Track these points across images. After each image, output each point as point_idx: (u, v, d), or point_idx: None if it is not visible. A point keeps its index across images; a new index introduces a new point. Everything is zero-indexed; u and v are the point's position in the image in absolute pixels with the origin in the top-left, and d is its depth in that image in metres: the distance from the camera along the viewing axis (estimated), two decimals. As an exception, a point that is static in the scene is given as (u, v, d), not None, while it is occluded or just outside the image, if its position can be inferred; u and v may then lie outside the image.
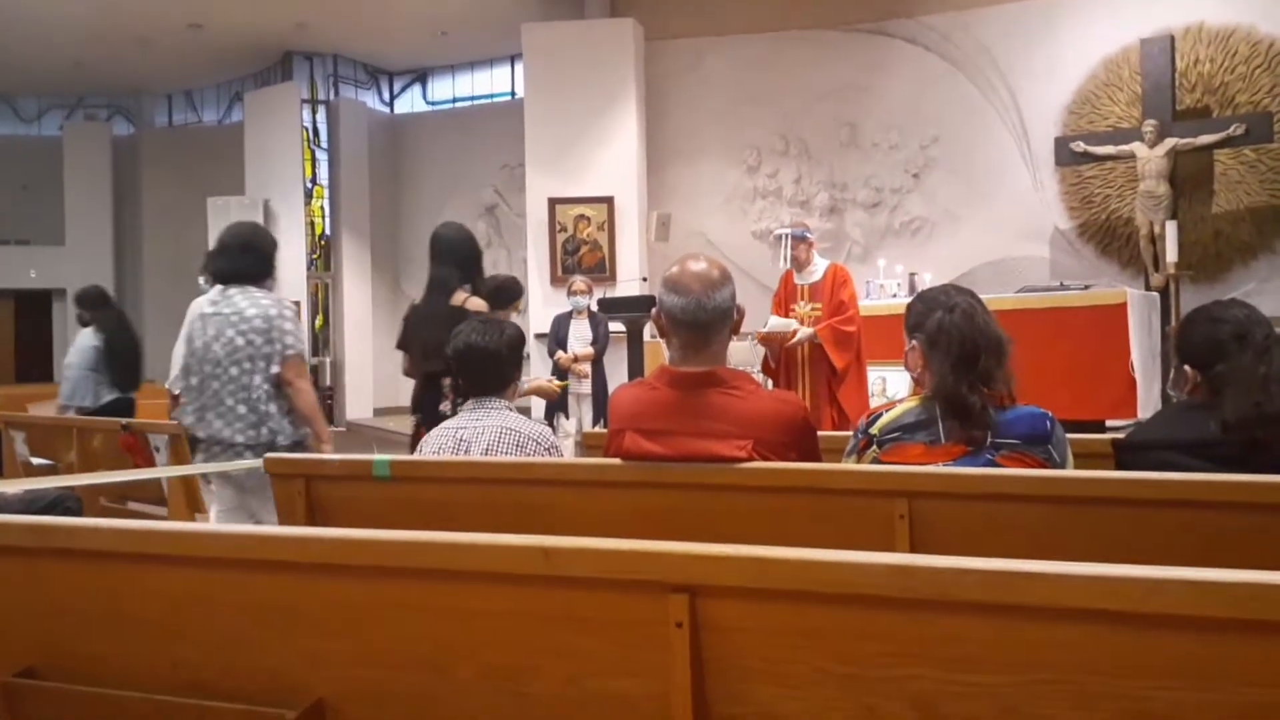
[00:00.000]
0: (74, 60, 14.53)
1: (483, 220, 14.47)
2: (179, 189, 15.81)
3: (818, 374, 6.08)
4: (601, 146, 11.50)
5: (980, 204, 10.95)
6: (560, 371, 7.39)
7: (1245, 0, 9.68)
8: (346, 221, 14.55)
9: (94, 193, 16.40)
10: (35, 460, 6.04)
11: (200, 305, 3.99)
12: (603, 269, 11.25)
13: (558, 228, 11.52)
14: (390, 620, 1.60)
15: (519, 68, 13.43)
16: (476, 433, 2.97)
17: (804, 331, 6.07)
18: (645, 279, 10.80)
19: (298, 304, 13.96)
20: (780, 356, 6.20)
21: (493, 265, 14.31)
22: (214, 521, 4.17)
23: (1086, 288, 8.18)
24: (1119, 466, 2.45)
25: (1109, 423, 7.06)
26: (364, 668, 1.62)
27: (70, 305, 15.82)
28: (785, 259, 6.38)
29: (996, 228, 10.76)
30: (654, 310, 2.45)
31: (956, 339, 2.31)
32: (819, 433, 2.51)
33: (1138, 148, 9.48)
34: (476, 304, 4.27)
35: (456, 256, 4.42)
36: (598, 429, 4.48)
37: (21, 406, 8.59)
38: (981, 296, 2.49)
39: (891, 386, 7.70)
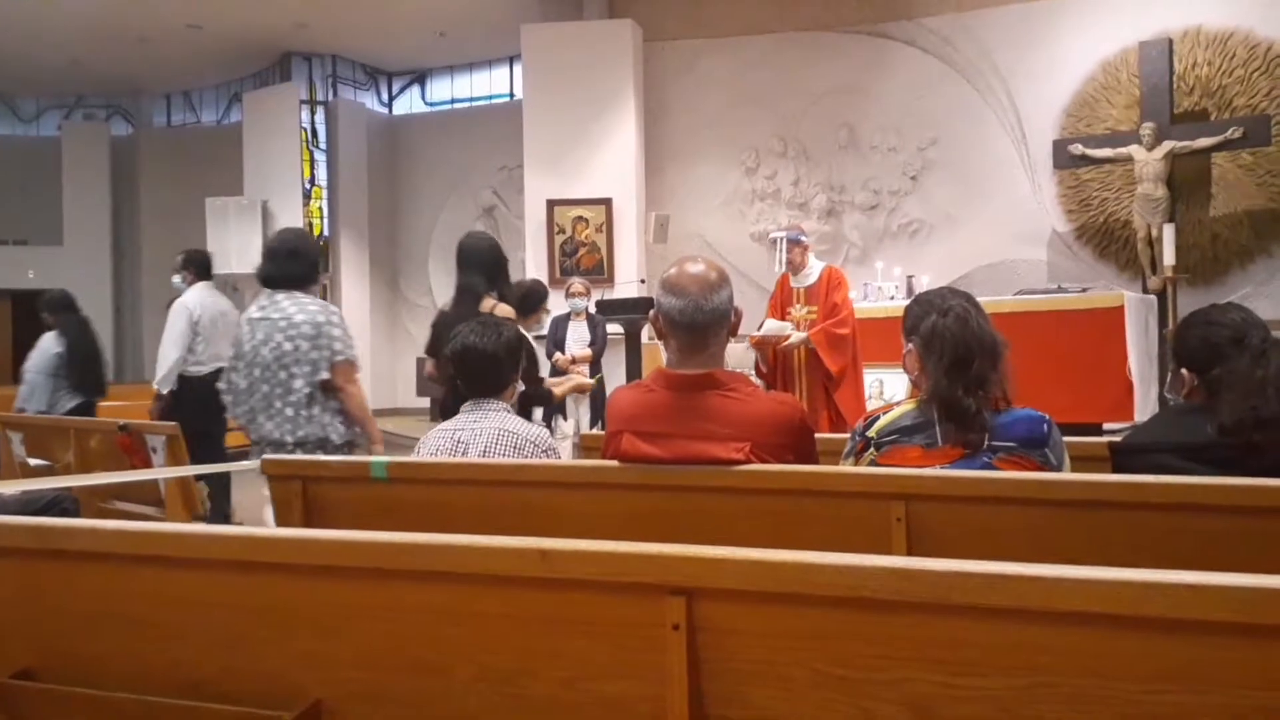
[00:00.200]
0: (72, 60, 14.54)
1: (481, 221, 14.47)
2: (177, 189, 15.82)
3: (814, 377, 6.09)
4: (600, 148, 11.51)
5: (978, 206, 10.96)
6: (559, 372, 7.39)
7: (1243, 4, 9.69)
8: (345, 222, 14.55)
9: (92, 193, 16.40)
10: (32, 461, 6.03)
11: (248, 310, 4.07)
12: (601, 271, 11.25)
13: (556, 229, 11.52)
14: (387, 622, 1.61)
15: (518, 69, 13.45)
16: (474, 434, 2.97)
17: (797, 335, 6.08)
18: (643, 281, 10.80)
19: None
20: (774, 360, 6.20)
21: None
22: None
23: (1084, 290, 8.19)
24: (1116, 469, 2.45)
25: (1106, 425, 7.07)
26: (361, 669, 1.62)
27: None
28: (780, 262, 6.38)
29: (994, 230, 10.78)
30: (652, 312, 2.45)
31: (950, 343, 2.31)
32: (816, 435, 2.51)
33: (1135, 150, 9.50)
34: (504, 310, 4.37)
35: (482, 264, 4.52)
36: (595, 431, 4.49)
37: (19, 407, 8.55)
38: (979, 299, 2.49)
39: (889, 389, 7.71)
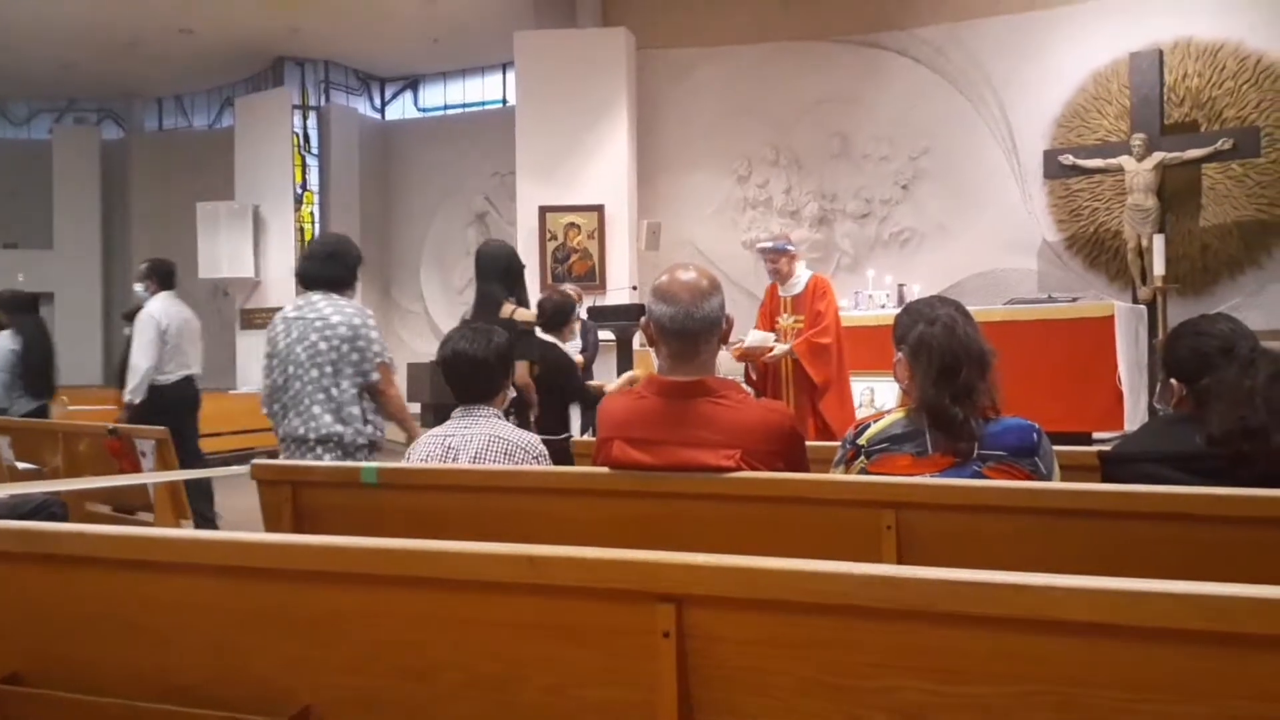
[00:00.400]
0: (64, 64, 14.51)
1: (473, 228, 14.48)
2: (168, 194, 15.79)
3: (801, 386, 6.09)
4: (592, 155, 11.52)
5: (969, 216, 10.99)
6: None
7: (1233, 16, 9.76)
8: (336, 228, 14.43)
9: (83, 197, 16.36)
10: (20, 465, 6.00)
11: (283, 309, 4.12)
12: (592, 277, 11.26)
13: (548, 236, 11.53)
14: (377, 628, 1.60)
15: (510, 76, 13.46)
16: (465, 440, 2.97)
17: (780, 347, 6.08)
18: (635, 287, 10.81)
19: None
20: (763, 370, 6.21)
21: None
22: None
23: (1074, 300, 8.21)
24: (1105, 479, 2.46)
25: (1096, 435, 7.08)
26: (350, 675, 1.62)
27: (56, 309, 15.76)
28: (769, 272, 6.39)
29: (985, 239, 10.82)
30: (643, 319, 2.45)
31: (938, 352, 2.32)
32: (806, 442, 2.52)
33: (1126, 161, 9.55)
34: (524, 315, 4.56)
35: (500, 271, 4.70)
36: (586, 437, 4.49)
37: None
38: (970, 308, 2.50)
39: (880, 397, 7.71)
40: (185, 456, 5.71)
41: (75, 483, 4.94)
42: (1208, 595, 1.19)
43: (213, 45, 13.86)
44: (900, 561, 2.11)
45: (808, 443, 2.58)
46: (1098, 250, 10.38)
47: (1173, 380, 2.53)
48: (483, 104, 15.24)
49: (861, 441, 2.41)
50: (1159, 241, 9.01)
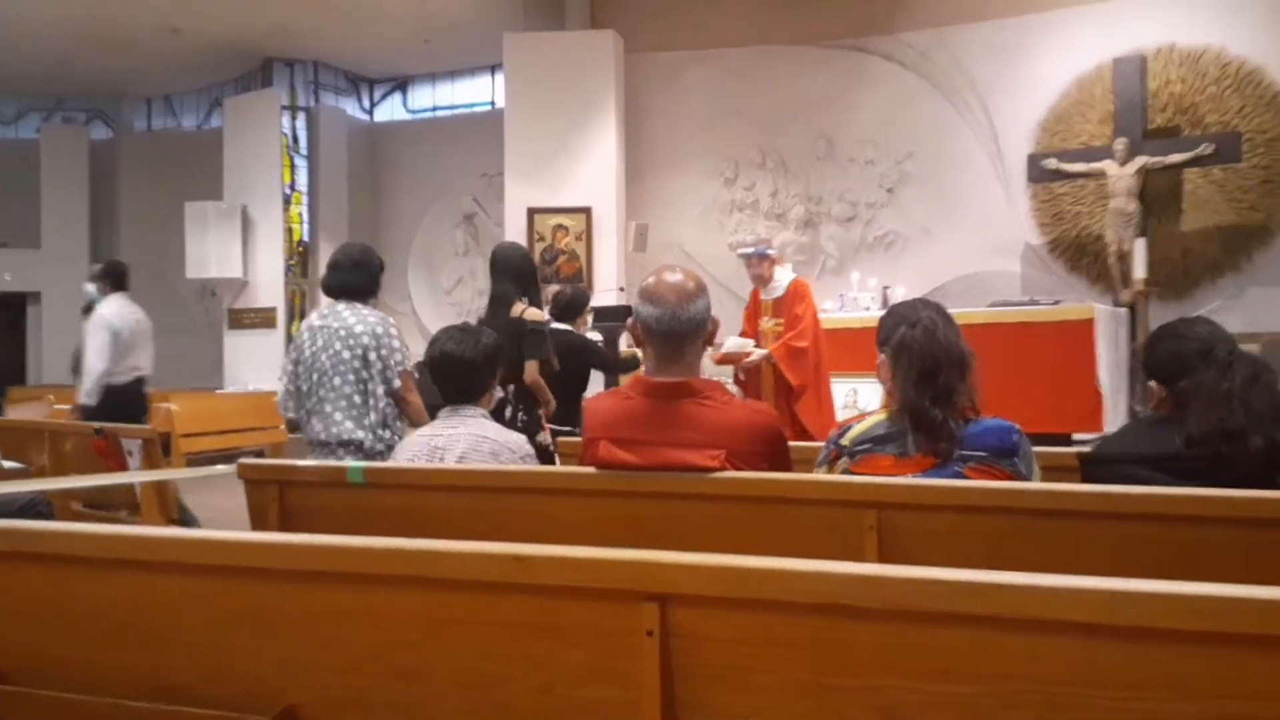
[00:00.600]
0: (52, 63, 14.42)
1: (461, 229, 14.46)
2: (156, 194, 15.71)
3: (780, 390, 6.12)
4: (580, 157, 11.53)
5: (953, 219, 11.04)
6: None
7: (1216, 22, 9.82)
8: (325, 228, 14.48)
9: (71, 196, 16.26)
10: (6, 463, 5.98)
11: (309, 318, 4.25)
12: (580, 278, 11.25)
13: (536, 237, 11.53)
14: (363, 627, 1.61)
15: (499, 78, 13.45)
16: (451, 440, 2.98)
17: (759, 352, 6.11)
18: (623, 289, 10.82)
19: (274, 309, 13.93)
20: (748, 373, 6.24)
21: (470, 274, 14.34)
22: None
23: (1056, 303, 8.27)
24: (1085, 479, 2.48)
25: (1075, 436, 7.12)
26: (337, 675, 1.62)
27: (43, 309, 15.67)
28: (751, 276, 6.42)
29: (969, 243, 10.86)
30: (630, 320, 2.47)
31: (918, 354, 2.34)
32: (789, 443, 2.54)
33: (1108, 165, 9.60)
34: (535, 314, 4.66)
35: (513, 272, 4.80)
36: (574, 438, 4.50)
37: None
38: (953, 310, 2.52)
39: (864, 398, 7.75)
40: None
41: (62, 481, 4.93)
42: (1189, 595, 1.20)
43: (202, 45, 13.80)
44: (882, 561, 2.13)
45: (794, 443, 2.60)
46: (1080, 254, 10.43)
47: (1152, 382, 2.55)
48: (471, 106, 15.23)
49: (845, 442, 2.43)
50: (1140, 245, 9.08)
